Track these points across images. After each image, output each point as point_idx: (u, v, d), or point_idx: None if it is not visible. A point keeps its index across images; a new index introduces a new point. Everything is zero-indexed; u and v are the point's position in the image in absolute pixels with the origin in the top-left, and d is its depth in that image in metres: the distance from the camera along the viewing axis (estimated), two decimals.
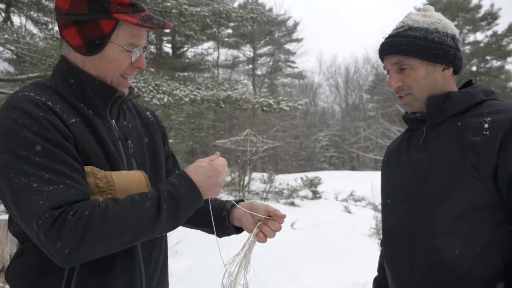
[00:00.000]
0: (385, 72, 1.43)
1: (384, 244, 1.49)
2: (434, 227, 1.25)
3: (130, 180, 1.07)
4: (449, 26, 1.35)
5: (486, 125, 1.20)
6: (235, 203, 1.31)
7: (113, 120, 1.18)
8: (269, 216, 1.24)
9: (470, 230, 1.20)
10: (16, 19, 12.35)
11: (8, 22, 10.67)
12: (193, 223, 1.36)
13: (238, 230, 1.34)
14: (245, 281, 1.22)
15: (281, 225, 1.24)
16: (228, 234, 1.36)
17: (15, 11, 11.99)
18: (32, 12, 12.52)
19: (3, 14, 10.89)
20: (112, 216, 0.95)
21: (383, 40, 1.40)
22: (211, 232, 1.35)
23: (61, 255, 0.92)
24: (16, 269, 1.09)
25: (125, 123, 1.23)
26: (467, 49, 26.70)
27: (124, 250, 1.08)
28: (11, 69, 12.30)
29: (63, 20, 1.09)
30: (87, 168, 1.03)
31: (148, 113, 1.38)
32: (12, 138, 0.96)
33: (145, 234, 1.01)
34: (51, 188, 0.93)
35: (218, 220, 1.31)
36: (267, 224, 1.23)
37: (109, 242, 0.96)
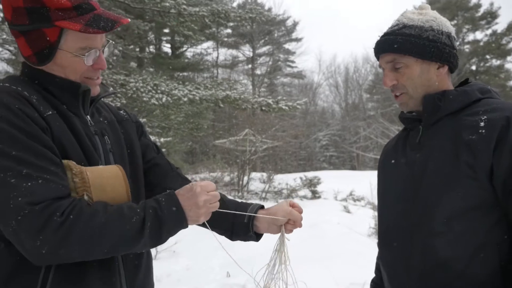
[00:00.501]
0: (381, 70, 1.41)
1: (380, 244, 1.47)
2: (429, 227, 1.23)
3: (107, 176, 1.05)
4: (445, 24, 1.33)
5: (482, 124, 1.18)
6: (254, 214, 1.35)
7: (88, 116, 1.16)
8: (289, 219, 1.32)
9: (465, 230, 1.19)
10: None
11: (6, 23, 10.66)
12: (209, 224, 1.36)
13: (258, 237, 1.40)
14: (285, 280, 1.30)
15: (301, 218, 1.34)
16: (246, 240, 1.39)
17: None
18: None
19: (1, 14, 10.87)
20: (98, 224, 0.94)
21: (378, 38, 1.38)
22: (224, 234, 1.38)
23: (38, 253, 0.91)
24: None
25: (101, 119, 1.21)
26: (466, 48, 26.71)
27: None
28: (10, 69, 12.28)
29: (12, 31, 1.06)
30: (64, 162, 1.01)
31: (121, 111, 1.37)
32: None
33: (126, 248, 1.01)
34: (29, 184, 0.90)
35: (240, 227, 1.34)
36: (289, 224, 1.33)
37: (89, 250, 0.95)
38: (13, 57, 10.21)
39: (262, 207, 1.37)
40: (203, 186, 1.08)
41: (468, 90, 1.29)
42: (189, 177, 13.14)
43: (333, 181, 13.92)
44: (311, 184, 11.93)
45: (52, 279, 1.00)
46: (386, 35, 1.35)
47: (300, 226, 1.34)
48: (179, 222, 1.05)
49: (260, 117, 14.12)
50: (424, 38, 1.28)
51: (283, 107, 10.17)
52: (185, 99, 9.24)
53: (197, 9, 10.66)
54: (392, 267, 1.36)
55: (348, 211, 9.39)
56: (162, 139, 10.20)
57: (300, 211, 1.34)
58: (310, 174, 13.58)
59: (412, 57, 1.29)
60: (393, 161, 1.43)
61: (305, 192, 12.04)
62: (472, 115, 1.23)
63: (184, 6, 10.42)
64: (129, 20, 1.13)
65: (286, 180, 12.46)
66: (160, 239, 1.04)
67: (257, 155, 13.82)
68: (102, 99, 1.26)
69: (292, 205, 1.34)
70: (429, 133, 1.31)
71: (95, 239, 0.94)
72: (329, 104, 41.32)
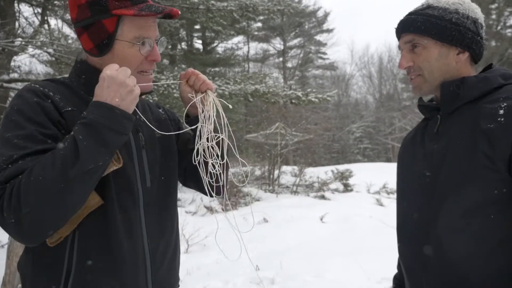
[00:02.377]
0: (400, 52, 1.36)
1: (398, 239, 1.42)
2: (446, 221, 1.18)
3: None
4: (473, 9, 1.26)
5: (501, 111, 1.10)
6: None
7: None
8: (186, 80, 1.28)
9: (484, 224, 1.12)
10: (52, 22, 12.85)
11: (45, 25, 11.14)
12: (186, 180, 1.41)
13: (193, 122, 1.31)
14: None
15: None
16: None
17: (51, 14, 12.49)
18: (67, 15, 13.01)
19: (39, 18, 11.38)
20: (37, 171, 0.92)
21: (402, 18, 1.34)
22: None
23: (11, 226, 0.92)
24: (22, 264, 1.13)
25: (137, 116, 1.23)
26: (508, 32, 25.22)
27: (129, 239, 1.10)
28: (50, 70, 12.84)
29: (76, 29, 1.15)
30: None
31: (160, 109, 1.40)
32: (6, 121, 1.02)
33: (79, 178, 0.93)
34: (10, 166, 0.95)
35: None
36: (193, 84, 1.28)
37: (45, 198, 0.91)
38: (52, 59, 10.65)
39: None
40: (111, 67, 1.03)
41: (489, 76, 1.21)
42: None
43: (366, 173, 13.67)
44: (343, 177, 11.76)
45: (74, 272, 1.04)
46: (409, 14, 1.31)
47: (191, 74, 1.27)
48: (111, 115, 0.99)
49: (291, 110, 14.04)
50: (447, 20, 1.22)
51: (313, 99, 10.06)
52: (215, 94, 9.32)
53: (225, 4, 10.71)
54: (410, 263, 1.32)
55: (381, 204, 9.18)
56: None
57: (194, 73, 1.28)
58: (342, 167, 13.39)
59: (431, 38, 1.24)
60: (412, 153, 1.38)
61: (337, 185, 11.89)
62: (492, 102, 1.15)
63: (213, 2, 10.50)
64: (179, 12, 1.17)
65: (317, 173, 12.35)
66: (105, 142, 0.97)
67: (287, 148, 13.75)
68: (142, 96, 1.30)
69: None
70: (447, 122, 1.25)
71: (40, 183, 0.91)
72: (363, 95, 40.49)
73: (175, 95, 8.88)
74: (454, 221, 1.16)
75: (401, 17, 1.33)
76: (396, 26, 1.34)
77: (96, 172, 0.97)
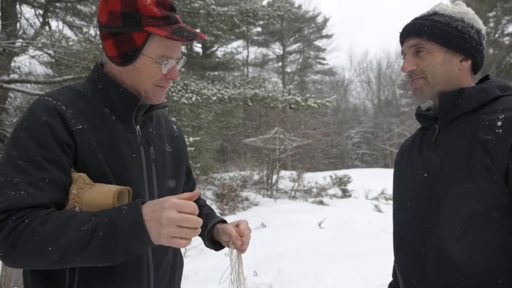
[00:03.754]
0: (402, 56, 1.37)
1: (394, 247, 1.42)
2: (443, 230, 1.18)
3: (98, 198, 1.03)
4: (476, 20, 1.29)
5: (499, 123, 1.12)
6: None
7: (138, 126, 1.20)
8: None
9: (482, 234, 1.13)
10: (53, 24, 12.88)
11: (46, 27, 11.16)
12: None
13: (218, 247, 1.38)
14: None
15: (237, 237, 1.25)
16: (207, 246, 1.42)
17: (52, 16, 12.52)
18: (68, 17, 13.04)
19: (40, 19, 11.39)
20: (46, 230, 0.92)
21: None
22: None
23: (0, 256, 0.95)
24: (24, 273, 1.13)
25: (150, 129, 1.25)
26: (506, 40, 25.38)
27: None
28: (50, 71, 12.83)
29: (102, 32, 1.15)
30: (75, 175, 1.05)
31: (174, 126, 1.42)
32: (14, 138, 1.03)
33: (74, 258, 0.93)
34: (12, 193, 0.95)
35: (201, 235, 1.38)
36: (237, 243, 1.25)
37: (39, 255, 0.93)
38: (52, 60, 10.65)
39: (224, 221, 1.39)
40: (176, 204, 0.93)
41: (486, 87, 1.23)
42: (218, 175, 13.21)
43: (365, 179, 13.67)
44: (341, 183, 11.77)
45: (79, 272, 1.05)
46: (415, 19, 1.33)
47: (241, 247, 1.24)
48: (137, 236, 0.93)
49: (290, 115, 14.06)
50: (453, 27, 1.25)
51: (312, 104, 10.09)
52: (214, 98, 9.34)
53: (226, 8, 10.75)
54: (406, 271, 1.32)
55: (379, 210, 9.19)
56: (191, 139, 10.37)
57: (241, 233, 1.25)
58: (341, 173, 13.38)
59: (436, 43, 1.26)
60: (409, 161, 1.39)
61: (335, 190, 11.89)
62: (490, 113, 1.17)
63: (213, 6, 10.53)
64: (206, 36, 1.18)
65: (315, 178, 12.35)
66: (114, 253, 0.93)
67: (286, 153, 13.77)
68: (159, 110, 1.32)
69: (238, 225, 1.28)
70: (445, 132, 1.26)
71: (42, 245, 0.92)
72: (361, 101, 40.63)
73: (174, 98, 8.90)
74: (452, 230, 1.17)
75: (406, 22, 1.35)
76: (401, 30, 1.35)
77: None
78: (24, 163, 0.98)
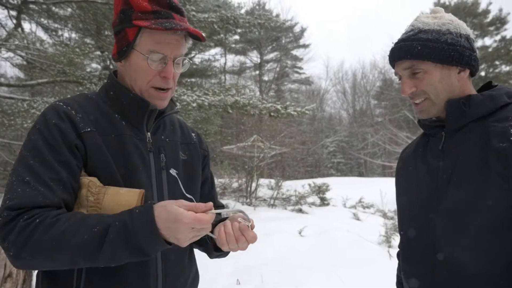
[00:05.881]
0: (397, 78, 1.35)
1: (401, 258, 1.40)
2: (455, 240, 1.16)
3: (121, 203, 1.01)
4: (462, 26, 1.28)
5: None
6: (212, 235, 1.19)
7: (149, 133, 1.19)
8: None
9: (496, 245, 1.11)
10: (27, 26, 12.49)
11: (19, 29, 10.80)
12: None
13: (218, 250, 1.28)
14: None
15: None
16: (210, 255, 1.36)
17: (26, 18, 12.14)
18: (42, 19, 12.68)
19: (14, 21, 11.02)
20: (57, 231, 0.92)
21: (392, 45, 1.33)
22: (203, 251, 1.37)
23: (9, 256, 0.94)
24: (38, 276, 1.11)
25: (162, 137, 1.23)
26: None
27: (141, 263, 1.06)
28: (21, 75, 12.41)
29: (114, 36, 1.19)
30: (85, 180, 1.03)
31: (193, 134, 1.39)
32: (27, 140, 1.06)
33: (86, 260, 0.93)
34: (22, 191, 0.96)
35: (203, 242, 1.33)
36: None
37: (50, 256, 0.92)
38: (25, 63, 10.31)
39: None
40: (189, 223, 0.91)
41: (495, 94, 1.23)
42: None
43: (341, 187, 13.80)
44: (320, 191, 11.83)
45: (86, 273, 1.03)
46: (401, 41, 1.29)
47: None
48: (151, 239, 0.93)
49: (267, 123, 14.08)
50: (443, 41, 1.23)
51: (292, 112, 10.15)
52: (194, 104, 9.25)
53: (206, 15, 10.72)
54: (416, 282, 1.29)
55: (358, 219, 9.28)
56: None
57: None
58: (319, 181, 13.47)
59: (431, 62, 1.24)
60: (412, 169, 1.37)
61: (314, 199, 11.95)
62: (501, 121, 1.16)
63: (193, 13, 10.48)
64: (203, 34, 1.15)
65: (294, 186, 12.37)
66: (125, 255, 0.93)
67: (265, 161, 13.77)
68: (173, 116, 1.32)
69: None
70: (453, 140, 1.25)
71: (52, 247, 0.91)
72: (337, 110, 41.26)
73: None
74: (464, 240, 1.15)
75: (393, 45, 1.32)
76: (389, 53, 1.33)
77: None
78: (36, 163, 0.99)
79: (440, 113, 1.29)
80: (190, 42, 1.20)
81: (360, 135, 34.65)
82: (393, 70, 1.38)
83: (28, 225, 0.92)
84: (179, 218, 0.91)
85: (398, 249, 1.48)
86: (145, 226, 0.92)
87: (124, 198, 1.02)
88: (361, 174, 32.53)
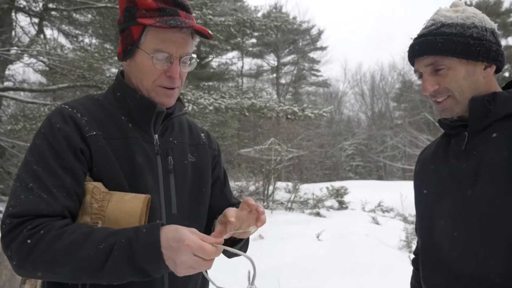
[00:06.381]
0: (417, 76, 1.28)
1: (421, 265, 1.32)
2: (483, 249, 1.09)
3: (126, 211, 0.99)
4: (486, 20, 1.21)
5: None
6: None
7: (156, 135, 1.15)
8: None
9: None
10: (48, 32, 12.82)
11: (41, 35, 11.08)
12: None
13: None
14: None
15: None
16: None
17: (48, 24, 12.46)
18: (63, 26, 12.99)
19: (36, 28, 11.31)
20: (61, 245, 0.89)
21: (411, 41, 1.26)
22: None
23: (12, 264, 0.92)
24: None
25: (170, 139, 1.19)
26: None
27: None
28: (43, 80, 12.73)
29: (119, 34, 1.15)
30: (90, 186, 1.01)
31: (202, 134, 1.34)
32: (31, 145, 1.04)
33: (89, 276, 0.90)
34: (25, 198, 0.94)
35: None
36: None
37: (51, 270, 0.90)
38: (47, 69, 10.56)
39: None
40: (192, 248, 0.86)
41: None
42: None
43: (360, 191, 13.62)
44: (338, 194, 11.69)
45: None
46: (422, 36, 1.22)
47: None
48: (154, 260, 0.89)
49: (285, 126, 14.03)
50: (468, 36, 1.16)
51: (309, 114, 10.08)
52: (211, 107, 9.28)
53: (223, 18, 10.77)
54: None
55: (377, 223, 9.11)
56: None
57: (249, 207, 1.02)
58: (337, 184, 13.32)
59: (455, 58, 1.16)
60: (433, 171, 1.30)
61: (332, 202, 11.82)
62: None
63: (210, 16, 10.55)
64: (209, 31, 1.11)
65: (312, 190, 12.27)
66: (128, 274, 0.90)
67: (282, 164, 13.70)
68: (181, 117, 1.28)
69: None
70: (477, 139, 1.17)
71: (56, 260, 0.89)
72: (355, 113, 40.86)
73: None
74: (494, 250, 1.07)
75: (413, 41, 1.25)
76: (409, 50, 1.26)
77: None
78: (39, 169, 0.97)
79: (463, 112, 1.22)
80: (197, 40, 1.16)
81: (379, 137, 34.19)
82: (413, 71, 1.30)
83: (32, 236, 0.90)
84: (182, 238, 0.87)
85: (414, 256, 1.41)
86: (149, 247, 0.88)
87: (129, 205, 0.99)
88: (380, 177, 32.07)
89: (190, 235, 0.87)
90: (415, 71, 1.27)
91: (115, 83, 1.19)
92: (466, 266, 1.13)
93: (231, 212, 1.02)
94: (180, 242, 0.87)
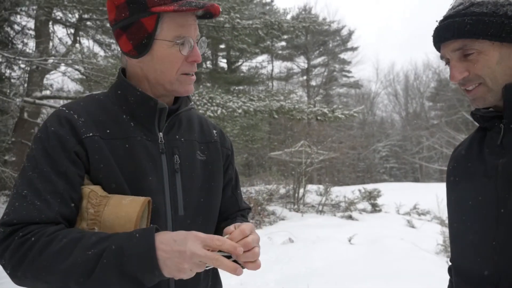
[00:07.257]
0: (443, 62, 1.16)
1: (455, 272, 1.20)
2: None
3: (121, 216, 0.94)
4: None
5: None
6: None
7: (161, 133, 1.10)
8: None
9: None
10: (84, 42, 13.32)
11: (77, 45, 11.53)
12: None
13: None
14: None
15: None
16: None
17: (83, 34, 12.95)
18: (97, 35, 13.47)
19: (71, 38, 11.77)
20: (51, 252, 0.87)
21: (437, 24, 1.13)
22: None
23: (7, 273, 0.90)
24: None
25: (177, 136, 1.14)
26: None
27: None
28: (80, 88, 13.21)
29: (115, 31, 1.08)
30: (86, 190, 0.97)
31: (214, 131, 1.28)
32: (29, 149, 1.02)
33: (78, 284, 0.86)
34: (19, 205, 0.92)
35: None
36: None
37: (42, 279, 0.87)
38: (83, 77, 10.95)
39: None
40: (201, 237, 0.84)
41: None
42: (244, 189, 13.20)
43: (395, 193, 13.22)
44: (371, 197, 11.39)
45: None
46: (449, 17, 1.09)
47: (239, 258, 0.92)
48: (146, 268, 0.84)
49: (315, 128, 13.87)
50: (501, 15, 1.02)
51: (339, 115, 9.89)
52: (240, 110, 9.29)
53: (251, 22, 10.79)
54: None
55: (413, 226, 8.78)
56: None
57: (234, 238, 0.93)
58: (370, 186, 12.99)
59: (487, 40, 1.03)
60: (467, 169, 1.18)
61: (364, 205, 11.52)
62: None
63: (238, 20, 10.59)
64: (220, 8, 1.09)
65: (343, 192, 12.02)
66: (118, 284, 0.85)
67: (313, 166, 13.52)
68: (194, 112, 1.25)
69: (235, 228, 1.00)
70: None
71: (45, 268, 0.86)
72: (388, 113, 39.85)
73: (200, 111, 8.92)
74: None
75: (438, 23, 1.13)
76: (434, 33, 1.14)
77: None
78: (34, 174, 0.95)
79: (497, 101, 1.09)
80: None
81: (415, 138, 33.16)
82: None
83: (22, 244, 0.88)
84: (189, 234, 0.86)
85: (450, 263, 1.28)
86: (141, 254, 0.84)
87: (125, 209, 0.94)
88: (416, 180, 31.06)
89: (196, 232, 0.87)
90: (441, 57, 1.15)
91: (116, 80, 1.14)
92: (502, 276, 1.01)
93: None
94: (187, 234, 0.86)
